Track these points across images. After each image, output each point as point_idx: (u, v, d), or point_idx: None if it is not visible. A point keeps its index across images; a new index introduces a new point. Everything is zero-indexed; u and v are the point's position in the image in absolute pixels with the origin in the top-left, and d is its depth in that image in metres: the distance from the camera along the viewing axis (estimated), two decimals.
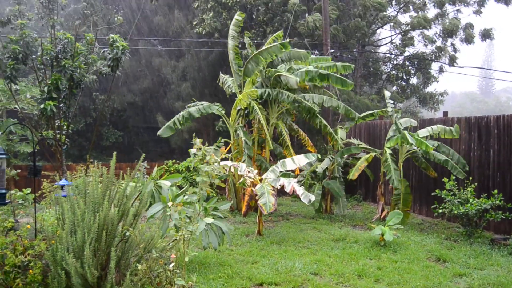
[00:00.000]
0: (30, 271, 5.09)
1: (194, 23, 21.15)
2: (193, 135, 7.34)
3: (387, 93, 12.93)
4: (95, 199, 5.16)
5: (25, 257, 5.03)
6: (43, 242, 5.08)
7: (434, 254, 8.64)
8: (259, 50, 12.31)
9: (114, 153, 5.62)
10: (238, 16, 13.61)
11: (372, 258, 8.45)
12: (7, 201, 6.78)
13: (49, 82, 10.09)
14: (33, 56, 10.63)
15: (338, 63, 12.78)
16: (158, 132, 13.03)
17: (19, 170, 13.53)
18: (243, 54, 16.90)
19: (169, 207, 5.59)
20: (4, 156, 6.52)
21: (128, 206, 5.29)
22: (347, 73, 14.31)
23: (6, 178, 14.08)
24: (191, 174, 14.06)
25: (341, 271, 7.63)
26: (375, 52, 26.17)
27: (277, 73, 12.57)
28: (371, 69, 24.98)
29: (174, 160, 15.50)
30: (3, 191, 6.61)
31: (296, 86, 12.48)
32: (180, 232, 5.38)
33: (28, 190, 9.28)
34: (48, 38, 10.91)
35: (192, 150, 6.03)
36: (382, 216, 11.70)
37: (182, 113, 13.17)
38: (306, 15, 21.20)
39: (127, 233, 5.03)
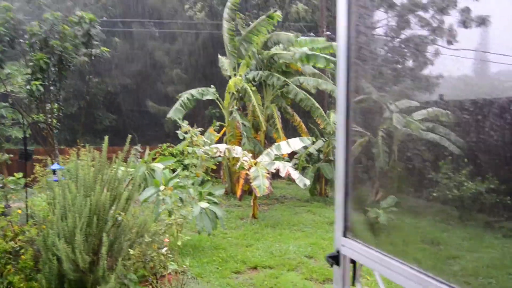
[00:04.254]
0: (22, 256, 5.05)
1: (186, 6, 20.88)
2: (179, 118, 7.27)
3: None
4: (87, 183, 5.09)
5: (15, 243, 4.97)
6: (34, 227, 5.02)
7: (427, 237, 8.65)
8: (249, 28, 12.21)
9: (106, 137, 5.52)
10: None
11: None
12: None
13: (32, 63, 9.94)
14: (21, 40, 10.46)
15: (335, 43, 12.61)
16: (168, 115, 13.04)
17: (11, 155, 13.38)
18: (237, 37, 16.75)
19: (161, 191, 5.52)
20: None
21: (120, 190, 5.22)
22: None
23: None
24: (185, 158, 14.02)
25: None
26: (373, 35, 25.95)
27: (270, 54, 12.48)
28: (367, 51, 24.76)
29: (168, 144, 15.42)
30: None
31: (291, 62, 12.39)
32: (172, 216, 5.33)
33: (20, 174, 9.17)
34: (36, 21, 10.73)
35: (180, 132, 5.95)
36: (377, 199, 11.70)
37: (185, 95, 13.22)
38: None
39: (119, 218, 4.97)
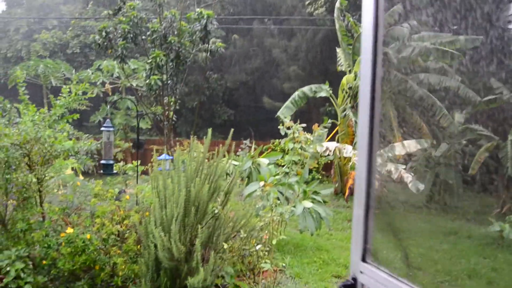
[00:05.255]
0: (127, 240, 5.30)
1: (307, 2, 20.74)
2: (279, 115, 7.10)
3: None
4: (188, 175, 5.17)
5: (121, 227, 5.22)
6: (137, 214, 5.23)
7: None
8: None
9: (209, 130, 5.56)
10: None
11: (486, 257, 7.58)
12: (115, 171, 7.17)
13: (150, 60, 10.53)
14: (143, 37, 11.15)
15: (461, 37, 11.61)
16: (278, 113, 13.07)
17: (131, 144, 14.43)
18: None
19: (260, 187, 5.43)
20: (111, 129, 6.86)
21: (220, 184, 5.22)
22: (472, 47, 12.99)
23: (122, 150, 15.17)
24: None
25: (448, 268, 6.94)
26: (507, 28, 23.59)
27: (385, 50, 11.86)
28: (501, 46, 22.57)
29: (280, 140, 15.45)
30: (111, 162, 6.99)
31: (410, 58, 11.64)
32: (269, 214, 5.21)
33: (137, 162, 9.81)
34: (157, 18, 11.36)
35: (282, 128, 5.80)
36: (503, 211, 10.53)
37: (296, 93, 13.17)
38: None
39: (216, 211, 4.97)
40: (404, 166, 9.80)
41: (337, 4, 13.15)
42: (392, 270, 1.77)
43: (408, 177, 8.95)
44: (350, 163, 9.67)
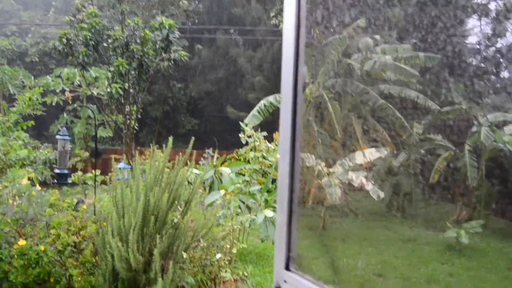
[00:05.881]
0: (83, 251, 5.16)
1: (272, 14, 20.98)
2: (245, 123, 7.13)
3: None
4: (147, 184, 5.09)
5: (77, 237, 5.08)
6: (94, 224, 5.11)
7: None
8: (330, 38, 11.94)
9: (170, 138, 5.51)
10: None
11: (444, 263, 7.77)
12: (69, 181, 7.00)
13: (112, 68, 10.41)
14: (105, 44, 11.00)
15: (421, 54, 11.95)
16: (245, 120, 13.10)
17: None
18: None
19: (221, 196, 5.41)
20: (67, 138, 6.70)
21: (179, 193, 5.16)
22: (431, 65, 13.41)
23: (82, 160, 14.84)
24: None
25: (408, 274, 7.06)
26: (463, 43, 24.54)
27: (347, 62, 12.11)
28: (457, 61, 23.45)
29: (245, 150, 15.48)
30: (66, 171, 6.81)
31: (371, 71, 11.94)
32: (229, 222, 5.18)
33: (98, 171, 9.61)
34: (119, 26, 11.24)
35: (243, 136, 5.81)
36: (459, 218, 10.82)
37: (262, 102, 13.23)
38: None
39: (175, 220, 4.91)
40: (365, 174, 9.98)
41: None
42: (317, 278, 1.72)
43: (368, 185, 9.12)
44: (314, 173, 9.75)
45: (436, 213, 13.74)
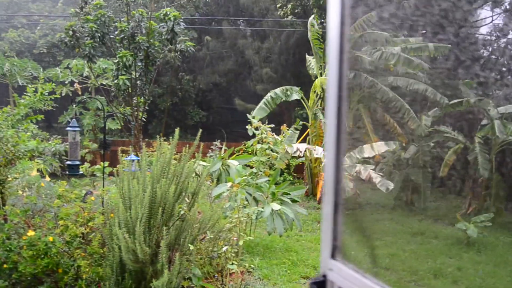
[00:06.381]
0: (91, 242, 5.19)
1: (278, 5, 20.84)
2: (252, 116, 7.11)
3: None
4: (154, 176, 5.10)
5: (85, 229, 5.11)
6: (101, 215, 5.13)
7: None
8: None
9: (177, 130, 5.50)
10: None
11: (452, 256, 7.73)
12: (81, 172, 7.03)
13: (117, 60, 10.39)
14: (111, 36, 10.97)
15: (431, 44, 11.80)
16: (252, 113, 13.04)
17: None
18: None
19: (228, 188, 5.40)
20: (77, 129, 6.72)
21: (187, 185, 5.16)
22: (440, 55, 13.21)
23: (90, 151, 14.91)
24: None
25: (415, 268, 7.04)
26: (474, 34, 24.25)
27: (356, 54, 11.98)
28: (467, 52, 23.18)
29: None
30: (77, 162, 6.85)
31: (371, 67, 11.84)
32: (236, 215, 5.18)
33: (106, 163, 9.64)
34: (125, 17, 11.19)
35: (250, 128, 5.78)
36: (468, 212, 10.75)
37: (269, 94, 13.19)
38: None
39: (182, 212, 4.91)
40: (373, 167, 9.91)
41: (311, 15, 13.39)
42: (359, 267, 1.75)
43: (376, 178, 9.06)
44: (322, 165, 9.72)
45: (445, 206, 13.69)
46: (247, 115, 12.60)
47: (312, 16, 13.52)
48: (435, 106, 12.67)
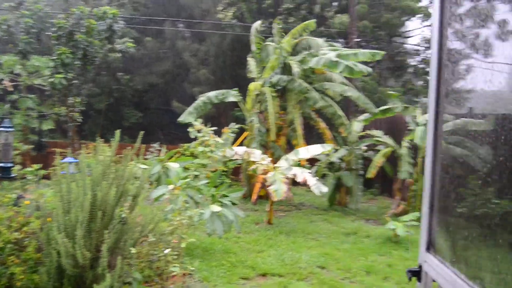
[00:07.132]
0: (26, 248, 5.02)
1: (220, 8, 20.94)
2: (179, 121, 7.16)
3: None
4: (94, 178, 5.03)
5: (19, 234, 4.94)
6: (37, 220, 4.99)
7: None
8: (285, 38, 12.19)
9: (117, 132, 5.46)
10: None
11: (383, 254, 8.18)
12: (13, 175, 6.76)
13: (55, 57, 10.07)
14: (48, 33, 10.61)
15: (364, 50, 12.32)
16: (179, 119, 12.87)
17: (33, 146, 13.54)
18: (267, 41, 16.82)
19: (169, 191, 5.43)
20: (11, 130, 6.47)
21: (127, 188, 5.13)
22: (374, 61, 13.78)
23: (21, 153, 14.22)
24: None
25: (348, 266, 7.39)
26: (403, 43, 25.55)
27: (288, 60, 12.37)
28: (398, 61, 24.39)
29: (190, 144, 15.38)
30: (9, 164, 6.58)
31: (316, 68, 12.22)
32: (178, 217, 5.22)
33: (38, 166, 9.27)
34: (64, 15, 10.85)
35: (192, 131, 5.84)
36: (397, 212, 11.38)
37: (201, 98, 13.08)
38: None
39: (123, 215, 4.89)
40: (308, 170, 10.21)
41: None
42: (445, 259, 2.01)
43: (311, 180, 9.36)
44: (254, 167, 9.83)
45: (375, 207, 14.32)
46: (181, 120, 12.51)
47: (260, 21, 13.82)
48: (366, 112, 13.30)
